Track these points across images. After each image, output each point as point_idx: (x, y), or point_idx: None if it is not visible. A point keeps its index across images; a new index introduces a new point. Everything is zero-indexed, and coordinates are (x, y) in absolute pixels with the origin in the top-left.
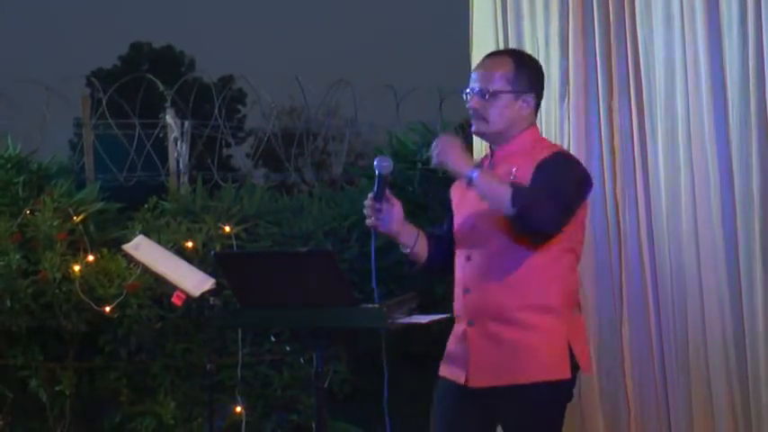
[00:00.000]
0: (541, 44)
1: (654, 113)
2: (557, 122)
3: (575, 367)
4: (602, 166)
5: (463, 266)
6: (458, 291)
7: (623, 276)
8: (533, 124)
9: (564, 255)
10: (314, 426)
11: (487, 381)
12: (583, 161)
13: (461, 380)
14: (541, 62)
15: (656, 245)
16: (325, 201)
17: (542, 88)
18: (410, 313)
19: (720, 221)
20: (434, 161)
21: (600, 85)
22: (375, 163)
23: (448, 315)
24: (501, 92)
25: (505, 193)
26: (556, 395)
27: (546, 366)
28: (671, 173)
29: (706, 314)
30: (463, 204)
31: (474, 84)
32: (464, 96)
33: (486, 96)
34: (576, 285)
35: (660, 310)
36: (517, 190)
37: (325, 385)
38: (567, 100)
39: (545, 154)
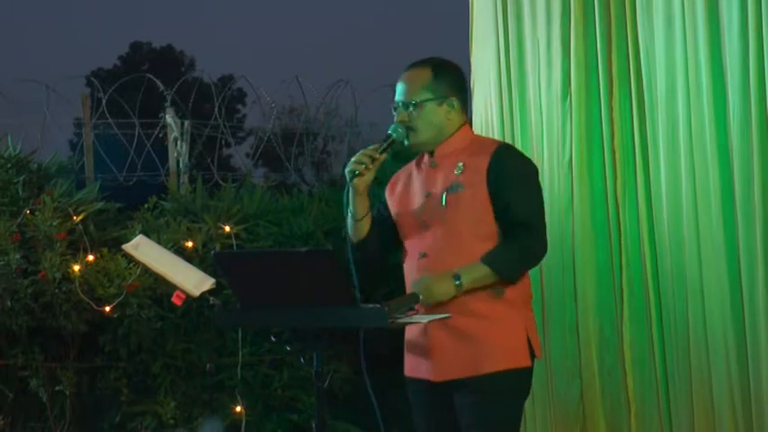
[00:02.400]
0: (542, 45)
1: (655, 114)
2: (558, 122)
3: (532, 355)
4: (604, 165)
5: (418, 264)
6: (414, 287)
7: (624, 276)
8: (464, 124)
9: None
10: (314, 425)
11: (452, 373)
12: (584, 162)
13: (426, 375)
14: (542, 62)
15: (657, 244)
16: (325, 201)
17: (465, 90)
18: (410, 313)
19: (721, 221)
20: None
21: (601, 85)
22: (392, 127)
23: (449, 315)
24: (423, 101)
25: (490, 275)
26: (519, 382)
27: (508, 354)
28: (672, 173)
29: (707, 313)
30: (410, 205)
31: (399, 97)
32: (393, 111)
33: (411, 108)
34: (528, 280)
35: (661, 309)
36: (494, 264)
37: (326, 385)
38: (568, 100)
39: (493, 147)
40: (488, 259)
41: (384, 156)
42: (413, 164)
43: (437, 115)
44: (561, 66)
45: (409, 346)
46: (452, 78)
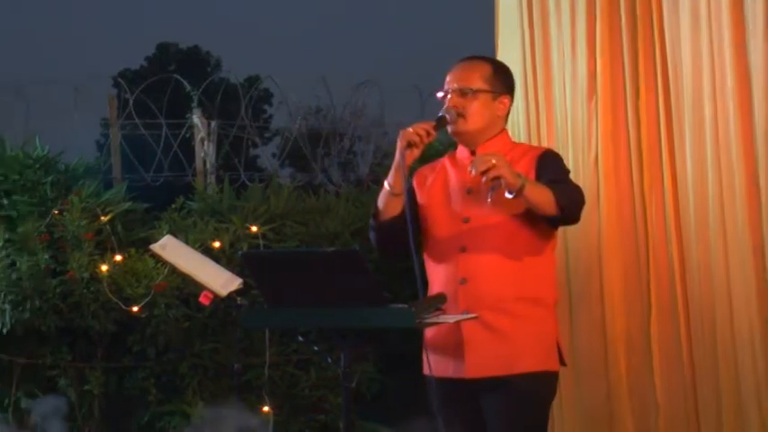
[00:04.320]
0: (568, 44)
1: (681, 113)
2: (584, 122)
3: (561, 362)
4: (630, 165)
5: (457, 258)
6: (450, 282)
7: (651, 275)
8: (505, 129)
9: (551, 251)
10: (341, 425)
11: (485, 371)
12: (611, 161)
13: (456, 374)
14: (568, 62)
15: (684, 244)
16: (351, 201)
17: (513, 97)
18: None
19: (748, 220)
20: (487, 175)
21: (627, 83)
22: (444, 109)
23: (476, 315)
24: (481, 91)
25: (550, 199)
26: (549, 386)
27: (541, 357)
28: (698, 172)
29: (734, 312)
30: (447, 200)
31: (452, 84)
32: (440, 97)
33: (467, 95)
34: (557, 283)
35: (689, 308)
36: (556, 191)
37: (353, 385)
38: (594, 100)
39: (539, 150)
40: (548, 185)
41: (435, 135)
42: (444, 160)
43: (489, 109)
44: (587, 64)
45: (434, 344)
46: (509, 80)
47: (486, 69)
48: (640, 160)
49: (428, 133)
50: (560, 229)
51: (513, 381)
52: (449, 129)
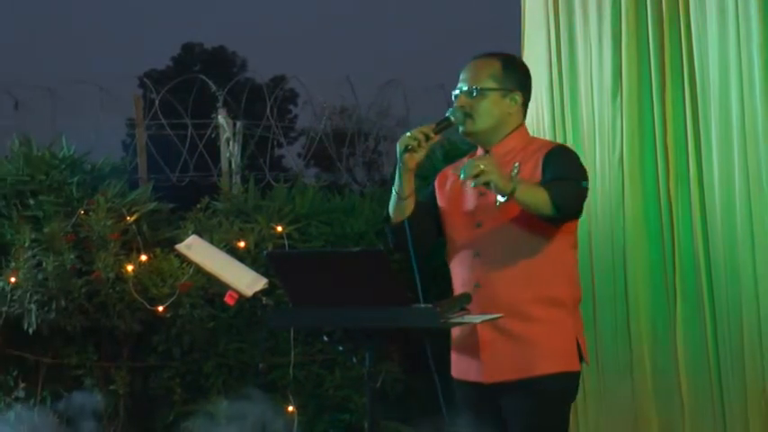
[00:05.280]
0: (594, 41)
1: (708, 110)
2: (609, 120)
3: (581, 361)
4: (656, 163)
5: (472, 262)
6: (466, 287)
7: (677, 274)
8: (522, 125)
9: (570, 250)
10: (366, 425)
11: (503, 375)
12: (636, 159)
13: (476, 378)
14: (594, 59)
15: (711, 243)
16: (376, 200)
17: (530, 89)
18: (462, 313)
19: None
20: (477, 181)
21: (653, 81)
22: (450, 110)
23: (501, 315)
24: (488, 89)
25: (545, 199)
26: (569, 386)
27: (560, 358)
28: (725, 169)
29: (761, 311)
30: (461, 203)
31: (462, 84)
32: (453, 98)
33: (474, 94)
34: (579, 282)
35: (715, 307)
36: (553, 191)
37: (378, 385)
38: (619, 97)
39: (548, 147)
40: (544, 185)
41: (438, 136)
42: (464, 160)
43: (498, 107)
44: (612, 62)
45: (457, 347)
46: (520, 75)
47: (495, 66)
48: (666, 158)
49: (427, 137)
50: (585, 229)
51: (532, 383)
52: (460, 130)
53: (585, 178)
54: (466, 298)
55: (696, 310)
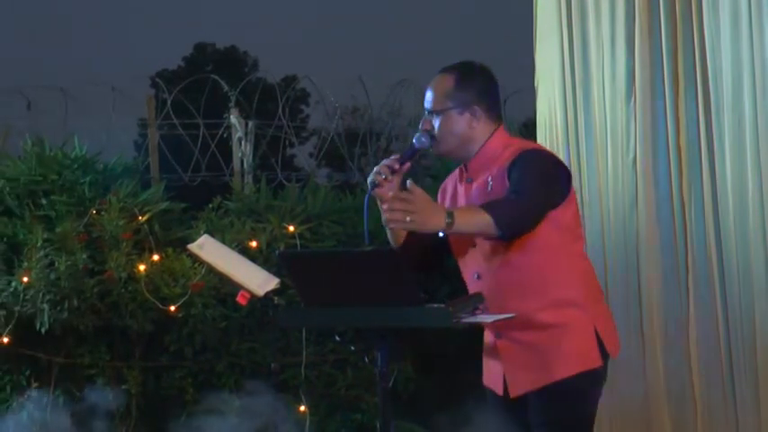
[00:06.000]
0: (607, 43)
1: (721, 112)
2: (623, 122)
3: (604, 353)
4: (669, 165)
5: (475, 284)
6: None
7: (690, 275)
8: (497, 130)
9: (570, 246)
10: (378, 425)
11: (525, 387)
12: (649, 161)
13: (501, 391)
14: (607, 61)
15: (723, 243)
16: None
17: (492, 95)
18: (475, 312)
19: None
20: (408, 228)
21: (666, 83)
22: (416, 136)
23: (514, 315)
24: (444, 109)
25: (488, 222)
26: (588, 384)
27: (577, 359)
28: (738, 171)
29: None
30: None
31: (425, 104)
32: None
33: (433, 116)
34: (592, 272)
35: (727, 308)
36: (496, 212)
37: (390, 385)
38: (633, 99)
39: (514, 155)
40: (485, 206)
41: (406, 165)
42: (456, 173)
43: (458, 124)
44: (626, 64)
45: (485, 357)
46: (477, 85)
47: (447, 83)
48: (679, 161)
49: (392, 170)
50: (599, 230)
51: (552, 388)
52: (430, 151)
53: (549, 184)
54: (478, 298)
55: (709, 311)
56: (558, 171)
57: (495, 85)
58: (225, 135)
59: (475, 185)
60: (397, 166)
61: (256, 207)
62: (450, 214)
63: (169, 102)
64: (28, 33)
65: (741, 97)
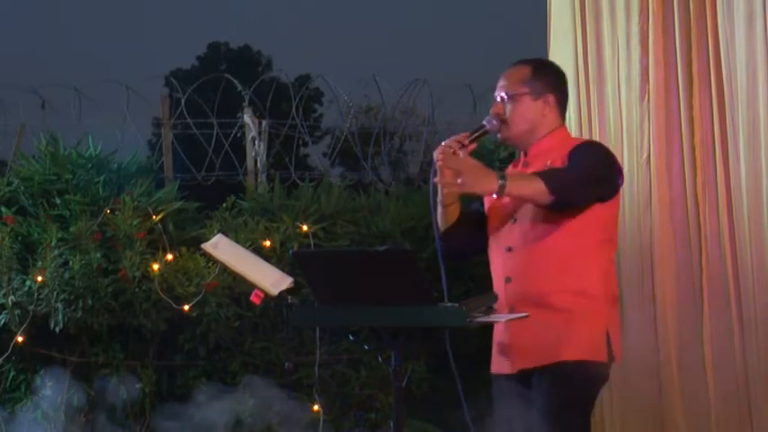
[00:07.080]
0: (621, 43)
1: (735, 111)
2: (637, 121)
3: (610, 354)
4: (683, 164)
5: (504, 257)
6: (498, 281)
7: (704, 275)
8: (561, 126)
9: (602, 245)
10: (392, 424)
11: (529, 362)
12: (663, 161)
13: (506, 369)
14: (621, 61)
15: (738, 244)
16: (402, 200)
17: (564, 91)
18: (488, 312)
19: None
20: (459, 190)
21: (680, 83)
22: (486, 118)
23: (527, 315)
24: (519, 94)
25: (539, 186)
26: (592, 374)
27: (586, 346)
28: (752, 170)
29: None
30: (501, 199)
31: (497, 90)
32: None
33: (506, 100)
34: (615, 278)
35: (742, 307)
36: (549, 178)
37: (404, 384)
38: (647, 98)
39: (573, 145)
40: (539, 173)
41: (474, 145)
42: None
43: (532, 110)
44: (640, 63)
45: (495, 342)
46: (552, 77)
47: (524, 72)
48: (693, 160)
49: (462, 145)
50: None
51: (556, 368)
52: (498, 136)
53: (604, 170)
54: (492, 297)
55: (723, 310)
56: (615, 168)
57: (566, 83)
58: (238, 134)
59: (532, 169)
60: (466, 142)
61: (270, 206)
62: (502, 176)
63: (183, 101)
64: (43, 33)
65: (755, 96)
